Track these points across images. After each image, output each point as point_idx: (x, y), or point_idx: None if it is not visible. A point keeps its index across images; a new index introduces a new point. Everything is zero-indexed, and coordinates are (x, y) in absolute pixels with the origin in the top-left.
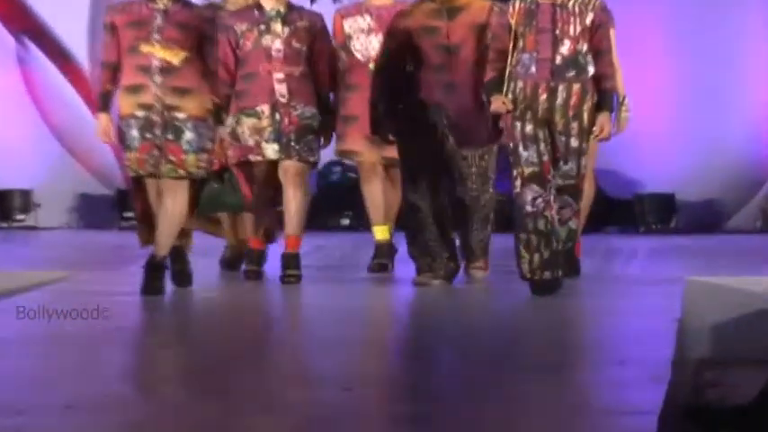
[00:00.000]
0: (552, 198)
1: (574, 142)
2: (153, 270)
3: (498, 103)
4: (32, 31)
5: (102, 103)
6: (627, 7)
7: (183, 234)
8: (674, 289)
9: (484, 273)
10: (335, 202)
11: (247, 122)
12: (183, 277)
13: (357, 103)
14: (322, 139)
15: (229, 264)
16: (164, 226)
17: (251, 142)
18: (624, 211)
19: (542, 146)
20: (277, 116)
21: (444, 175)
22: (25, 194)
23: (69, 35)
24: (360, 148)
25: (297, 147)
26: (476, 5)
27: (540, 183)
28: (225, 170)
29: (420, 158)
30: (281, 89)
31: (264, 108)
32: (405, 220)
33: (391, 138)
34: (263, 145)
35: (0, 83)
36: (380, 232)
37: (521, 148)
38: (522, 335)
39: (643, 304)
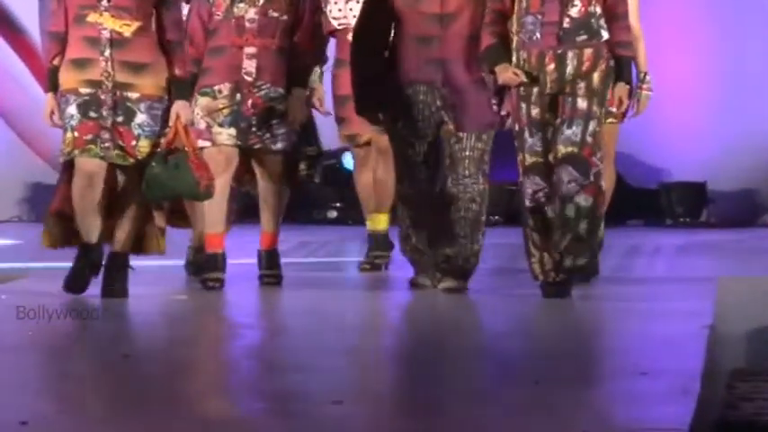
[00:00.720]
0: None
1: (581, 103)
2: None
3: (508, 74)
4: None
5: (50, 81)
6: None
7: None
8: (704, 290)
9: (458, 290)
10: (323, 193)
11: (201, 102)
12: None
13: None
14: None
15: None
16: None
17: (202, 125)
18: (649, 202)
19: (550, 131)
20: (238, 96)
21: (440, 164)
22: None
23: (17, 2)
24: (367, 129)
25: (258, 133)
26: None
27: (543, 174)
28: (173, 151)
29: (412, 145)
30: (248, 66)
31: (223, 87)
32: (398, 214)
33: (381, 118)
34: (215, 129)
35: None
36: (378, 222)
37: (526, 134)
38: (534, 342)
39: (669, 307)
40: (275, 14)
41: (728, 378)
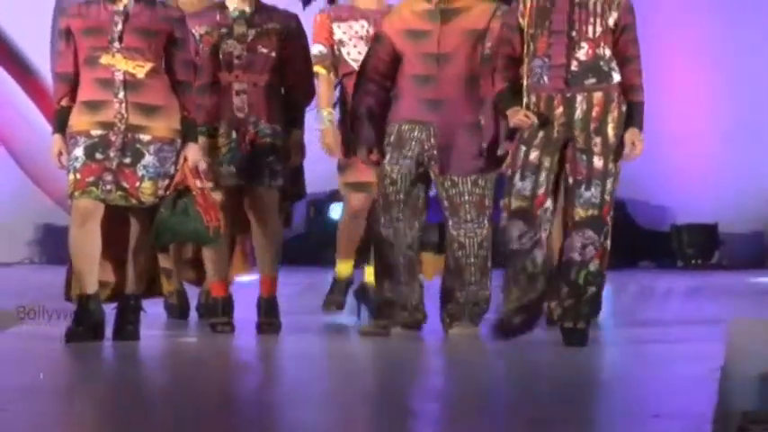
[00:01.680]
0: (543, 235)
1: (598, 162)
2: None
3: (519, 117)
4: None
5: (57, 122)
6: (669, 18)
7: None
8: (715, 332)
9: (471, 332)
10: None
11: (200, 142)
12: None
13: None
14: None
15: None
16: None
17: (203, 165)
18: (660, 244)
19: (543, 176)
20: (234, 134)
21: (423, 209)
22: None
23: (30, 45)
24: (371, 178)
25: (255, 170)
26: (477, 9)
27: (527, 219)
28: (181, 194)
29: (395, 182)
30: (239, 102)
31: (219, 125)
32: (374, 255)
33: (372, 157)
34: (217, 169)
35: None
36: (348, 267)
37: (517, 177)
38: (544, 385)
39: (681, 349)
40: (264, 51)
41: (740, 420)
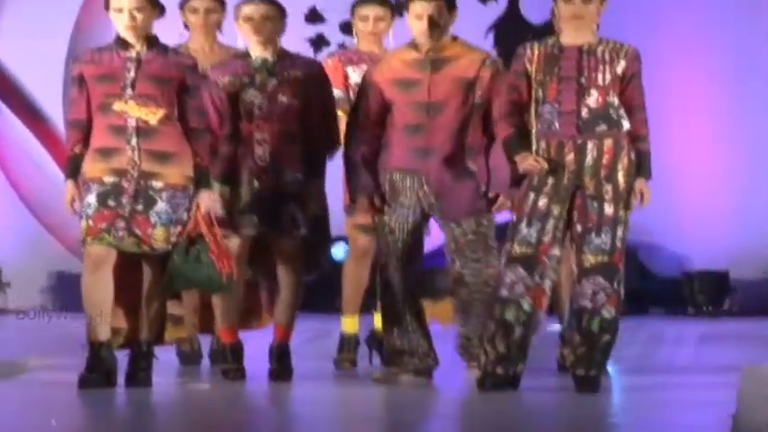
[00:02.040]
0: (546, 285)
1: (608, 209)
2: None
3: (530, 162)
4: (1, 87)
5: (69, 168)
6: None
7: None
8: (727, 379)
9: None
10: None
11: (221, 191)
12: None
13: None
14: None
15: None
16: (149, 306)
17: (218, 212)
18: (671, 290)
19: (551, 223)
20: (255, 183)
21: (419, 256)
22: None
23: (41, 91)
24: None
25: (277, 219)
26: (466, 58)
27: (529, 266)
28: (194, 241)
29: (392, 231)
30: (260, 152)
31: (241, 174)
32: (381, 303)
33: (375, 204)
34: (237, 217)
35: None
36: (354, 323)
37: (523, 224)
38: (547, 429)
39: (693, 397)
40: (284, 99)
41: None
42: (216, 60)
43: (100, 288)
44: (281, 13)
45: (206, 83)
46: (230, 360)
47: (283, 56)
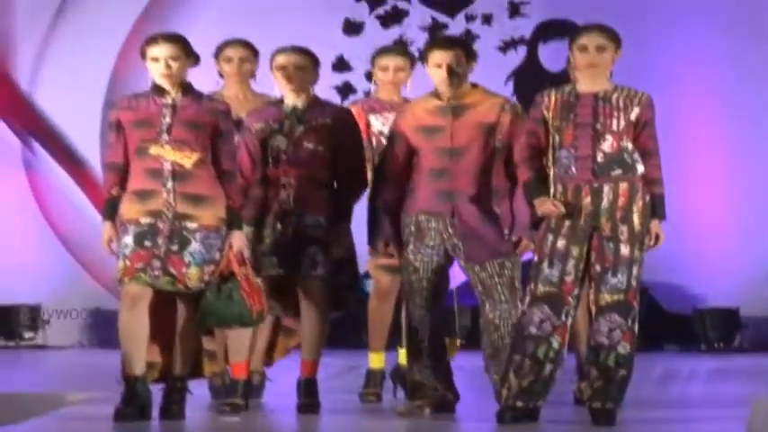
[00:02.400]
0: (568, 322)
1: (624, 249)
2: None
3: (548, 206)
4: (40, 132)
5: (107, 210)
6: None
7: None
8: (738, 412)
9: None
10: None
11: (246, 231)
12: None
13: None
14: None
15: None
16: (183, 341)
17: (246, 254)
18: (684, 327)
19: (571, 264)
20: (279, 226)
21: (442, 295)
22: (33, 310)
23: (80, 137)
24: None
25: (295, 261)
26: (486, 103)
27: (554, 305)
28: (226, 279)
29: (417, 270)
30: (284, 196)
31: (266, 217)
32: (406, 339)
33: (389, 250)
34: (260, 258)
35: (4, 188)
36: (380, 359)
37: (545, 264)
38: None
39: (704, 429)
40: (310, 146)
41: None
42: (250, 107)
43: (137, 324)
44: (315, 62)
45: (241, 129)
46: (239, 395)
47: (314, 103)
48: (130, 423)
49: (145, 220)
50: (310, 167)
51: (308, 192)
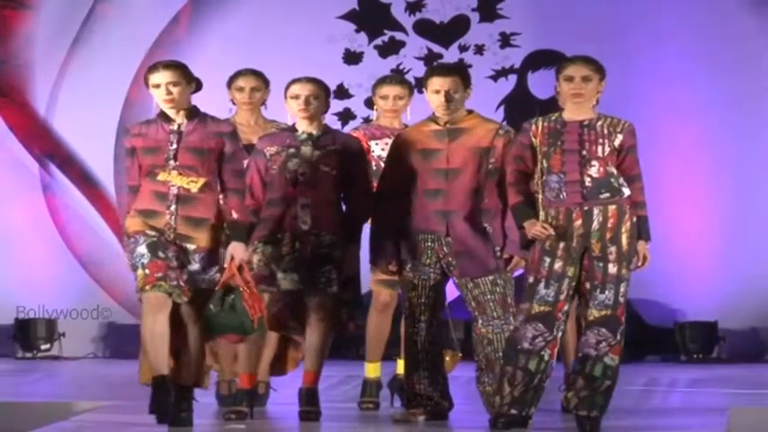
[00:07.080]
0: (558, 335)
1: (612, 268)
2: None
3: (537, 228)
4: (57, 155)
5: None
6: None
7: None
8: (716, 421)
9: None
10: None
11: (264, 250)
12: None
13: None
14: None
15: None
16: (189, 352)
17: (265, 272)
18: (665, 339)
19: (565, 283)
20: (297, 244)
21: (439, 310)
22: (50, 324)
23: (95, 161)
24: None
25: (314, 277)
26: (481, 128)
27: (546, 322)
28: (229, 290)
29: (415, 287)
30: (303, 215)
31: (284, 236)
32: (404, 350)
33: (391, 268)
34: (279, 275)
35: (24, 209)
36: (376, 369)
37: (541, 285)
38: None
39: None
40: (326, 169)
41: None
42: (261, 133)
43: (159, 329)
44: (326, 92)
45: (253, 152)
46: (245, 404)
47: (326, 131)
48: (166, 415)
49: (150, 232)
50: (325, 189)
51: (324, 212)
